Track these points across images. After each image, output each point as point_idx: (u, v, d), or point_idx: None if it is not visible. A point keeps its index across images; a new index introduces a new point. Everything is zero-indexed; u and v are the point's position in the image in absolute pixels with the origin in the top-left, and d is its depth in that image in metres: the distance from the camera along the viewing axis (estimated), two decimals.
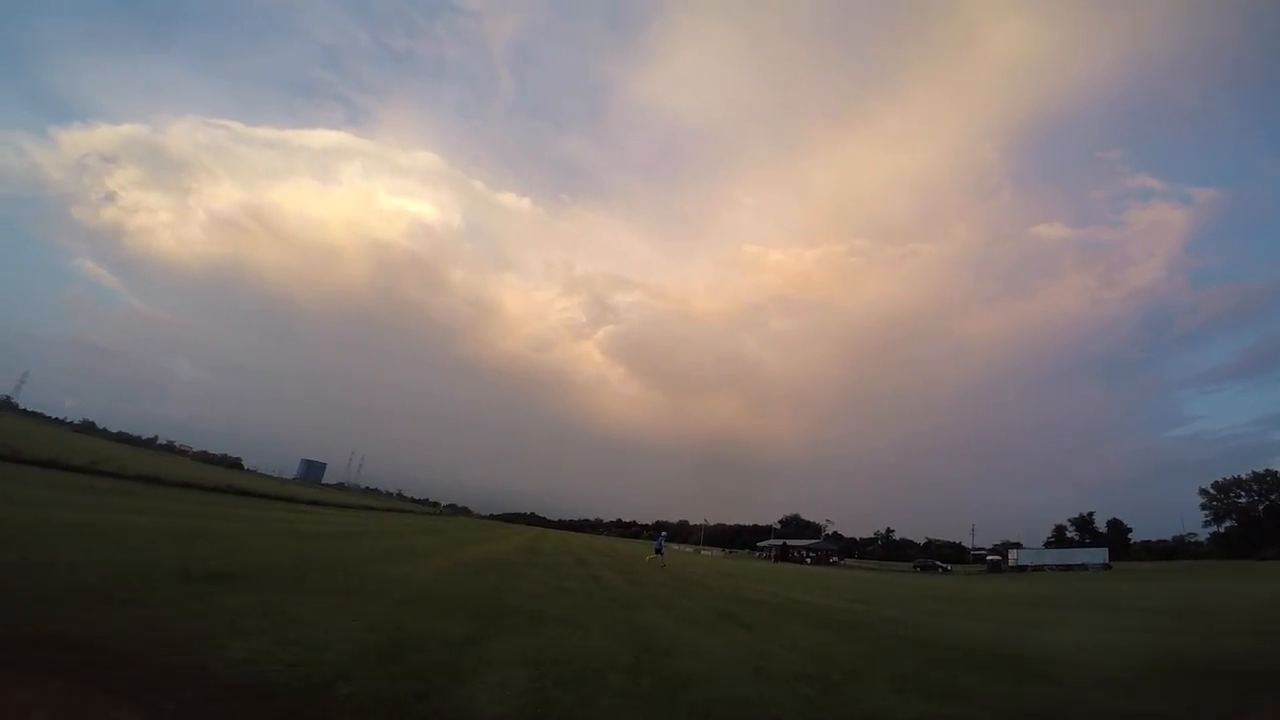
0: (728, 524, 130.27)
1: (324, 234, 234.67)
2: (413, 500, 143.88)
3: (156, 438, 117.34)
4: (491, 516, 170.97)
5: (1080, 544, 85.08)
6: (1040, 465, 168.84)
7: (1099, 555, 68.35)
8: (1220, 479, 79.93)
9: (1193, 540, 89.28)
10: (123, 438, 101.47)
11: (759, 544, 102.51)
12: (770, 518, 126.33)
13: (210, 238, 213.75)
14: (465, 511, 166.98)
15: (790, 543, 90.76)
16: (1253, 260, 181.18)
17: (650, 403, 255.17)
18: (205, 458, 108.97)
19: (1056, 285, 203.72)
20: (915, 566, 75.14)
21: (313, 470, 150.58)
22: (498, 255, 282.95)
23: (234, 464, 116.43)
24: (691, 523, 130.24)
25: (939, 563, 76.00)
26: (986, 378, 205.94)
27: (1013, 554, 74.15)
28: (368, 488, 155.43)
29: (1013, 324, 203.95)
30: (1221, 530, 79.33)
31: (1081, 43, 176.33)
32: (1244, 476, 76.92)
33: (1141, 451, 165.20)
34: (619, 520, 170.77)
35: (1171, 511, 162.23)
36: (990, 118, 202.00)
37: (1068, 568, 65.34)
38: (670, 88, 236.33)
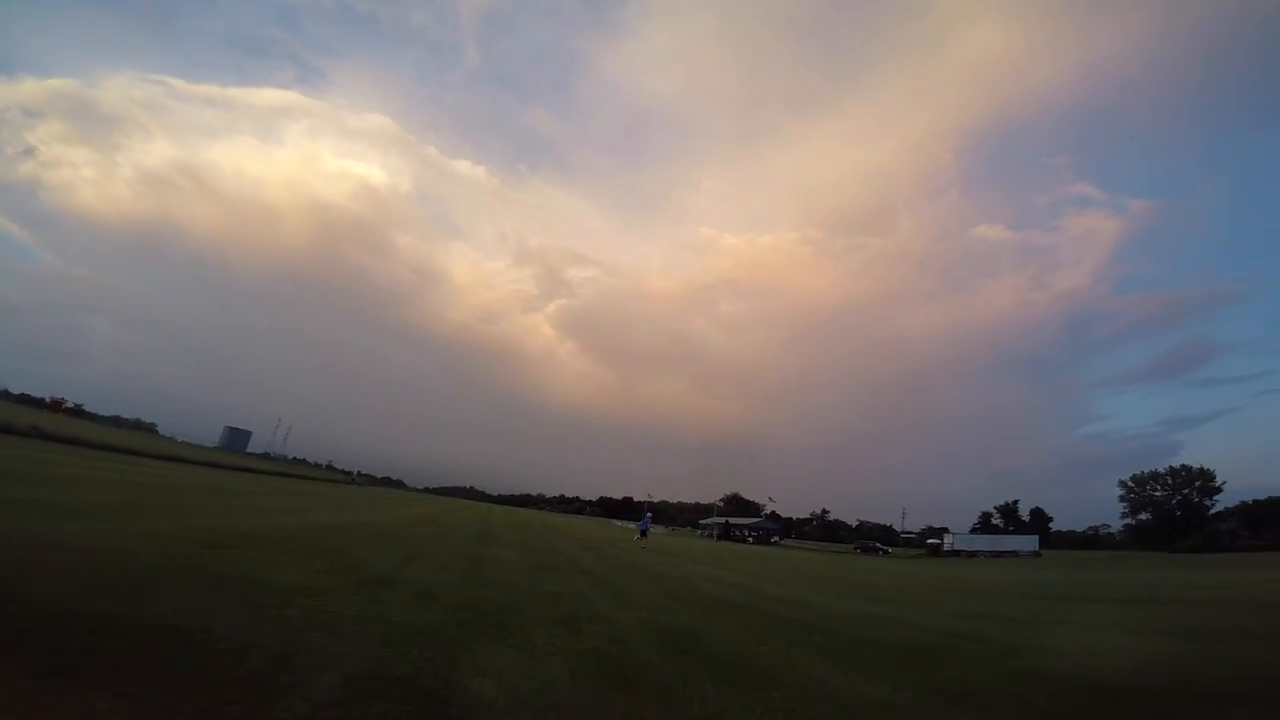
0: (671, 501, 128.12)
1: (262, 193, 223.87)
2: (340, 471, 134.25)
3: (64, 400, 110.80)
4: (427, 490, 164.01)
5: (1004, 531, 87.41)
6: (963, 455, 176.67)
7: (1030, 543, 69.50)
8: (1139, 472, 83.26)
9: (1106, 532, 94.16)
10: (25, 399, 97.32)
11: (701, 521, 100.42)
12: (711, 495, 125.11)
13: (136, 194, 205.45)
14: (399, 484, 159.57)
15: (733, 521, 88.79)
16: (1174, 271, 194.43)
17: (598, 379, 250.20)
18: (117, 422, 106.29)
19: (990, 284, 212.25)
20: (855, 548, 74.38)
21: (237, 438, 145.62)
22: (448, 222, 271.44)
23: (148, 429, 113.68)
24: (635, 499, 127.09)
25: (878, 545, 75.60)
26: (919, 370, 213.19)
27: (947, 538, 74.63)
28: (295, 458, 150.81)
29: (946, 319, 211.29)
30: (1134, 522, 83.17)
31: (1047, 52, 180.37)
32: (1161, 471, 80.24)
33: (1055, 447, 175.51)
34: (562, 496, 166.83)
35: (1080, 503, 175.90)
36: (950, 119, 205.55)
37: (1000, 554, 65.91)
38: (642, 67, 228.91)
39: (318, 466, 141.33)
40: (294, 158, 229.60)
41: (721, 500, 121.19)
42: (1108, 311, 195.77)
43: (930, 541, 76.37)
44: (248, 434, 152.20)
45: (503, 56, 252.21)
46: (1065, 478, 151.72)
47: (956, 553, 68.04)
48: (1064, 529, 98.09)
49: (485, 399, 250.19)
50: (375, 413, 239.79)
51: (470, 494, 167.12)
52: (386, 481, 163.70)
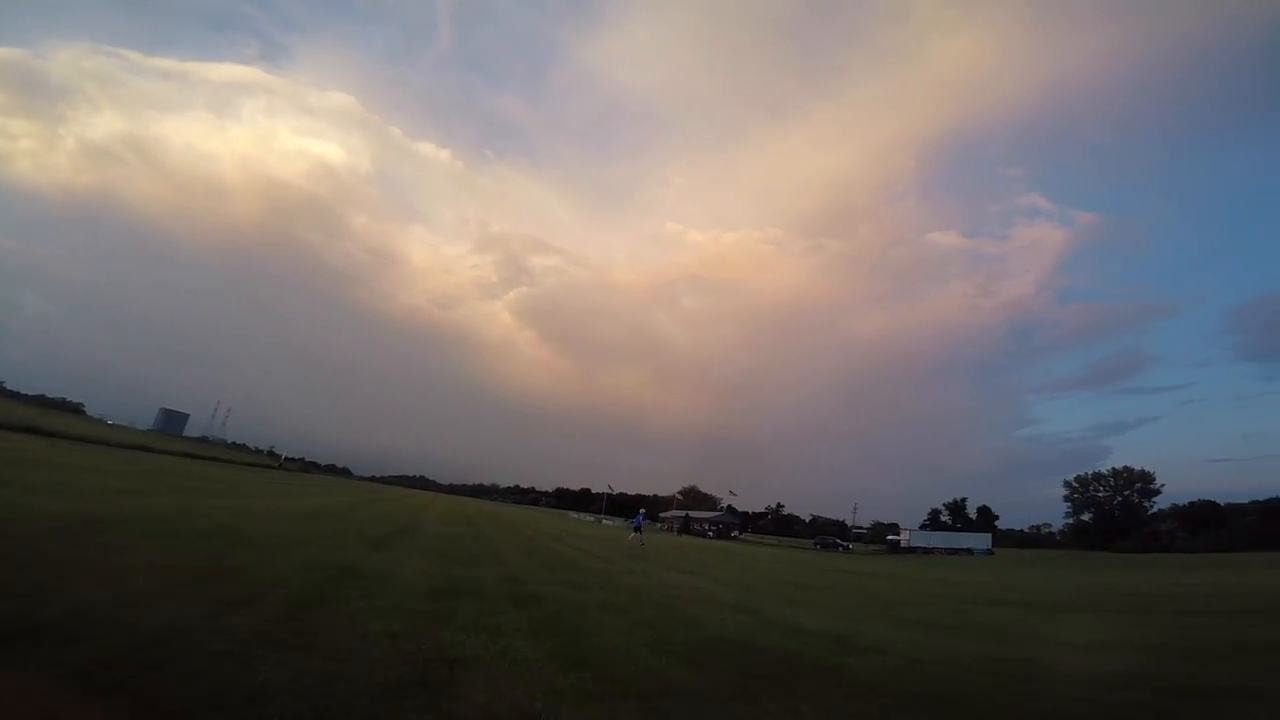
0: (629, 493, 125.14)
1: (213, 169, 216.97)
2: (270, 456, 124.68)
3: None
4: (373, 479, 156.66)
5: (953, 528, 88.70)
6: (910, 453, 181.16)
7: (984, 541, 70.23)
8: (1083, 473, 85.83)
9: (1048, 531, 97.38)
10: None
11: (661, 515, 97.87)
12: (669, 488, 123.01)
13: (77, 167, 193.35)
14: (344, 472, 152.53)
15: (693, 514, 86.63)
16: (1114, 284, 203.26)
17: (557, 369, 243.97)
18: (41, 401, 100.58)
19: (940, 290, 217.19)
20: (815, 544, 73.36)
21: (173, 421, 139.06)
22: (407, 205, 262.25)
23: (74, 409, 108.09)
24: (594, 490, 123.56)
25: (839, 540, 74.88)
26: (869, 370, 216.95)
27: (903, 535, 74.77)
28: (234, 442, 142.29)
29: (895, 323, 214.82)
30: (1074, 522, 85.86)
31: (1016, 66, 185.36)
32: (1104, 472, 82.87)
33: (993, 448, 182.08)
34: (516, 486, 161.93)
35: (1017, 503, 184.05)
36: (915, 127, 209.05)
37: (955, 551, 66.21)
38: (618, 59, 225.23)
39: (258, 452, 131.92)
40: (250, 134, 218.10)
41: (679, 493, 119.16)
42: (1049, 320, 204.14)
43: (890, 538, 76.37)
44: (185, 416, 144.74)
45: (477, 40, 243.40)
46: (1002, 478, 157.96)
47: (913, 549, 67.99)
48: (1004, 527, 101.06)
49: (440, 386, 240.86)
50: (324, 398, 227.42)
51: (420, 483, 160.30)
52: (330, 469, 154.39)
